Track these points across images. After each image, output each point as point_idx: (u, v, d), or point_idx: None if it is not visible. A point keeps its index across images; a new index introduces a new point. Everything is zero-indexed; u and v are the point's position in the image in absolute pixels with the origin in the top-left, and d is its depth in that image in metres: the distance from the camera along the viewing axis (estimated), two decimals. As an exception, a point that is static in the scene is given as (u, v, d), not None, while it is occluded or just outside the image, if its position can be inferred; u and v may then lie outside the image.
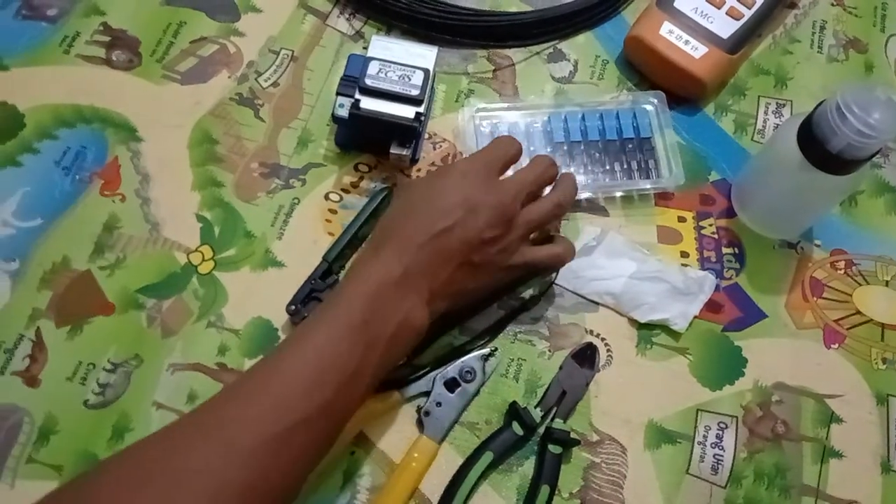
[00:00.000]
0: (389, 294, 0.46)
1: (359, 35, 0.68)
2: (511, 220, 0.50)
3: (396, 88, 0.57)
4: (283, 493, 0.42)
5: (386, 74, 0.58)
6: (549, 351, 0.57)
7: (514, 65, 0.68)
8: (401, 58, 0.58)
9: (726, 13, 0.64)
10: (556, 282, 0.59)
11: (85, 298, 0.57)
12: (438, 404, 0.54)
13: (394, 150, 0.59)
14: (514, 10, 0.69)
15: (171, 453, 0.39)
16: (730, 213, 0.63)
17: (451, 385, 0.55)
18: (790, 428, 0.56)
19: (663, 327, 0.58)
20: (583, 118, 0.63)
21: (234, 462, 0.39)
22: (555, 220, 0.55)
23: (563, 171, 0.61)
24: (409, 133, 0.59)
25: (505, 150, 0.53)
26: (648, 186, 0.62)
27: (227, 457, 0.39)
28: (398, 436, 0.54)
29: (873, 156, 0.51)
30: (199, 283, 0.58)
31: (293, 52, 0.67)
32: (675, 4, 0.65)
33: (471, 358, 0.56)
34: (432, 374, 0.55)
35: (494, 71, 0.67)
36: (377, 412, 0.54)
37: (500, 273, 0.52)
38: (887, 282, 0.61)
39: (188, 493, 0.37)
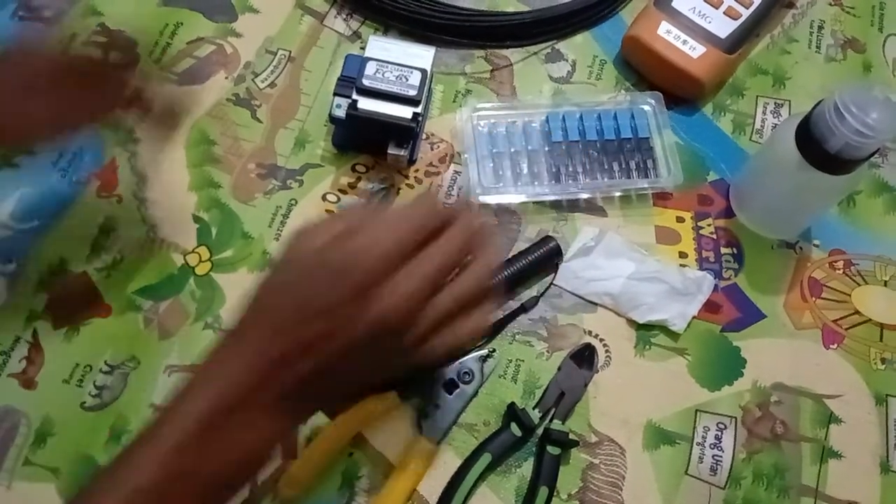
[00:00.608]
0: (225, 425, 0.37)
1: (356, 35, 0.68)
2: (408, 326, 0.39)
3: (394, 89, 0.57)
4: None
5: (383, 75, 0.58)
6: (548, 352, 0.57)
7: (511, 65, 0.68)
8: (398, 58, 0.58)
9: (724, 13, 0.64)
10: (555, 282, 0.59)
11: (82, 300, 0.56)
12: (437, 406, 0.54)
13: (391, 151, 0.59)
14: (511, 10, 0.69)
15: None
16: (728, 213, 0.63)
17: (450, 386, 0.54)
18: (789, 428, 0.56)
19: (662, 328, 0.58)
20: (581, 118, 0.63)
21: None
22: (478, 294, 0.42)
23: (563, 170, 0.61)
24: (407, 133, 0.59)
25: (420, 223, 0.40)
26: (646, 186, 0.62)
27: None
28: (396, 437, 0.54)
29: (871, 155, 0.51)
30: (197, 284, 0.58)
31: (290, 52, 0.67)
32: (673, 4, 0.65)
33: (469, 359, 0.55)
34: (430, 375, 0.55)
35: (492, 71, 0.67)
36: (375, 414, 0.54)
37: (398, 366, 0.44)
38: (886, 282, 0.61)
39: None
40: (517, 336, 0.58)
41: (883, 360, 0.58)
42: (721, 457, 0.55)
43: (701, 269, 0.60)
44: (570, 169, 0.62)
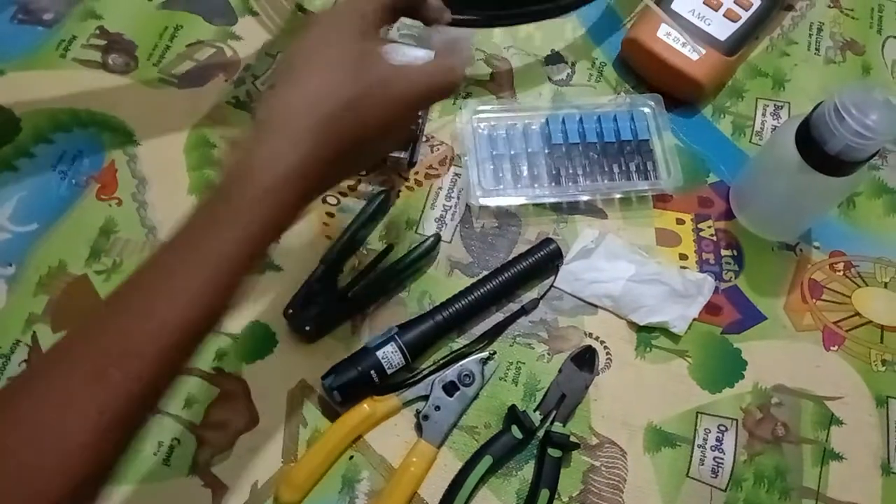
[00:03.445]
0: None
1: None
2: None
3: (394, 91, 0.57)
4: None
5: (383, 77, 0.57)
6: (548, 354, 0.57)
7: (511, 67, 0.68)
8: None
9: (723, 15, 0.64)
10: (555, 284, 0.59)
11: (81, 303, 0.56)
12: (437, 408, 0.54)
13: (391, 153, 0.59)
14: None
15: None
16: (728, 215, 0.63)
17: (450, 389, 0.54)
18: (790, 430, 0.56)
19: (662, 330, 0.58)
20: (580, 120, 0.63)
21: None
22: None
23: (563, 172, 0.61)
24: (407, 136, 0.59)
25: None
26: (646, 188, 0.62)
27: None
28: (397, 440, 0.54)
29: (871, 157, 0.51)
30: (197, 287, 0.57)
31: (290, 55, 0.67)
32: (673, 6, 0.65)
33: (469, 361, 0.55)
34: (431, 377, 0.55)
35: (492, 73, 0.67)
36: (376, 417, 0.54)
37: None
38: (886, 283, 0.61)
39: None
40: (518, 338, 0.58)
41: (883, 362, 0.58)
42: (722, 459, 0.55)
43: (701, 271, 0.60)
44: (570, 171, 0.62)
